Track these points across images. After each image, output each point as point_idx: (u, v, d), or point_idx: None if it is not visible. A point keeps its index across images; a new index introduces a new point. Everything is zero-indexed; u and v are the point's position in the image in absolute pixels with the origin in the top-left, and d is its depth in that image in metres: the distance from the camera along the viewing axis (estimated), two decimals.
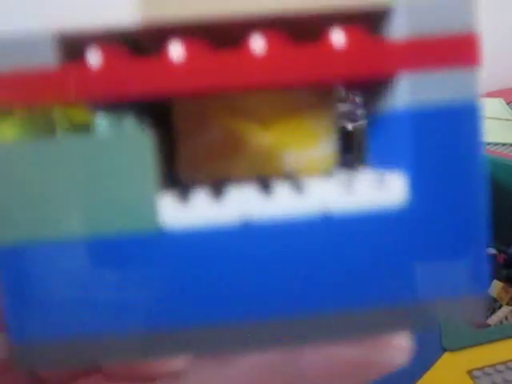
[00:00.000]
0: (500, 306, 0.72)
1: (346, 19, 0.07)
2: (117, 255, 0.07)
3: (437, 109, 0.07)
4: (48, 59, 0.06)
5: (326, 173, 0.08)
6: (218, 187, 0.08)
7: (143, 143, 0.07)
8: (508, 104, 1.14)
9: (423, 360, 0.41)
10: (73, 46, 0.07)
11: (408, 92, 0.07)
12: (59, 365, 0.08)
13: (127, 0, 0.06)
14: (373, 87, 0.08)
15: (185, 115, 0.08)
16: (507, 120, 1.03)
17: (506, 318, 0.67)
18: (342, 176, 0.08)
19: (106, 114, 0.07)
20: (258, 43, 0.07)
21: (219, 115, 0.08)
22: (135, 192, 0.07)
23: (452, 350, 0.43)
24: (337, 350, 0.08)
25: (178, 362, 0.10)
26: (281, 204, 0.07)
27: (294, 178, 0.08)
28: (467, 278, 0.07)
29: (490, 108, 1.12)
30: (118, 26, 0.07)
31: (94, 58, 0.07)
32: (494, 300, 0.74)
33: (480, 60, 0.07)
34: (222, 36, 0.07)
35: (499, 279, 0.78)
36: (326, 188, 0.07)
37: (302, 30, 0.07)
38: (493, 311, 0.71)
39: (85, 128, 0.07)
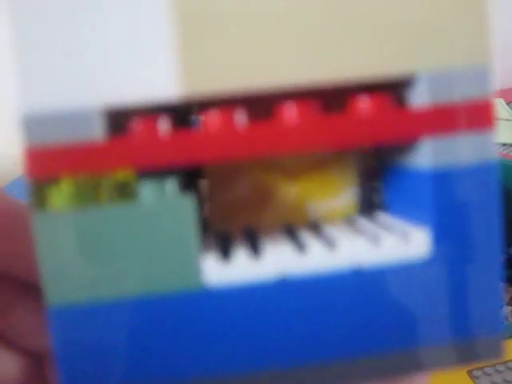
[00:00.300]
0: None
1: (372, 87, 0.07)
2: (163, 313, 0.07)
3: (457, 169, 0.07)
4: (96, 132, 0.07)
5: (348, 221, 0.09)
6: (254, 243, 0.08)
7: (185, 207, 0.07)
8: (508, 104, 1.14)
9: None
10: (118, 119, 0.07)
11: (430, 154, 0.07)
12: None
13: (169, 76, 0.07)
14: (394, 147, 0.08)
15: (216, 170, 0.09)
16: (507, 120, 1.03)
17: (506, 318, 0.67)
18: (369, 230, 0.08)
19: (149, 179, 0.07)
20: (290, 113, 0.07)
21: (248, 169, 0.09)
22: (179, 253, 0.07)
23: None
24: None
25: None
26: (314, 261, 0.07)
27: (324, 233, 0.08)
28: (485, 322, 0.08)
29: None
30: (161, 100, 0.07)
31: (138, 130, 0.07)
32: None
33: (495, 124, 0.08)
34: (257, 105, 0.07)
35: None
36: (355, 243, 0.08)
37: (331, 98, 0.07)
38: None
39: (129, 190, 0.07)
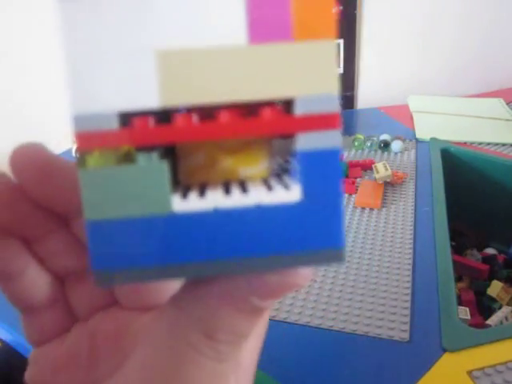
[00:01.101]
0: (500, 306, 0.72)
1: (272, 102, 0.13)
2: (150, 227, 0.13)
3: (318, 151, 0.13)
4: (113, 125, 0.13)
5: (264, 180, 0.15)
6: (202, 190, 0.14)
7: (162, 168, 0.13)
8: (508, 104, 1.14)
9: (423, 360, 0.41)
10: (125, 117, 0.13)
11: (303, 142, 0.13)
12: (122, 283, 0.14)
13: (153, 95, 0.12)
14: (288, 138, 0.14)
15: (183, 147, 0.15)
16: (507, 120, 1.03)
17: (506, 318, 0.67)
18: (270, 184, 0.14)
19: (143, 151, 0.13)
20: (224, 116, 0.13)
21: (202, 147, 0.14)
22: (159, 193, 0.13)
23: (452, 350, 0.43)
24: (264, 276, 0.15)
25: (172, 289, 0.18)
26: (234, 200, 0.13)
27: (244, 185, 0.14)
28: (330, 238, 0.13)
29: (490, 108, 1.12)
30: (149, 107, 0.13)
31: (136, 123, 0.13)
32: (494, 300, 0.74)
33: (340, 126, 0.13)
34: (205, 111, 0.13)
35: (499, 279, 0.78)
36: (258, 190, 0.13)
37: (250, 107, 0.13)
38: (493, 311, 0.71)
39: (131, 157, 0.13)
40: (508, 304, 0.73)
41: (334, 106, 0.13)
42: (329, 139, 0.13)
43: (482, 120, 1.01)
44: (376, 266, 0.54)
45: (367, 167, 0.77)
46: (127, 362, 0.16)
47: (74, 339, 0.19)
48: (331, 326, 0.45)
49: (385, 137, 0.87)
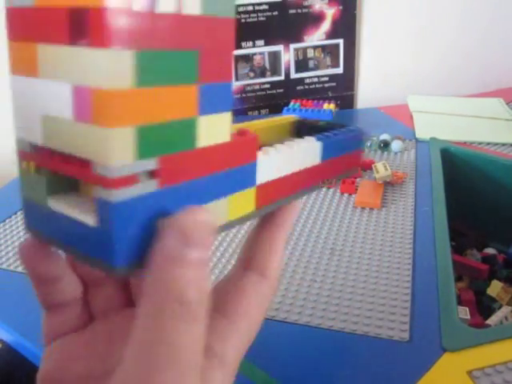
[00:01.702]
0: (500, 306, 0.72)
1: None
2: (43, 211, 0.20)
3: (101, 201, 0.17)
4: (27, 148, 0.20)
5: None
6: (73, 200, 0.19)
7: (41, 179, 0.19)
8: (508, 104, 1.14)
9: (423, 360, 0.41)
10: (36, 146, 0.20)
11: (95, 192, 0.17)
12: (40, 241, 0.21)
13: (39, 136, 0.19)
14: None
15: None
16: (507, 120, 1.03)
17: (506, 318, 0.67)
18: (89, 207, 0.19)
19: (42, 171, 0.19)
20: (70, 161, 0.18)
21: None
22: (42, 194, 0.19)
23: (452, 350, 0.43)
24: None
25: None
26: (69, 211, 0.19)
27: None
28: (108, 257, 0.17)
29: (490, 108, 1.12)
30: (37, 143, 0.19)
31: (36, 150, 0.20)
32: (494, 300, 0.74)
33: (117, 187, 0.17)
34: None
35: (499, 279, 0.78)
36: (78, 211, 0.19)
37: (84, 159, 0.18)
38: (493, 311, 0.71)
39: (34, 169, 0.20)
40: (508, 304, 0.73)
41: (108, 175, 0.17)
42: (106, 195, 0.17)
43: (482, 120, 1.01)
44: (376, 266, 0.54)
45: (367, 167, 0.77)
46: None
47: (93, 333, 0.22)
48: (331, 326, 0.45)
49: (385, 136, 0.87)
